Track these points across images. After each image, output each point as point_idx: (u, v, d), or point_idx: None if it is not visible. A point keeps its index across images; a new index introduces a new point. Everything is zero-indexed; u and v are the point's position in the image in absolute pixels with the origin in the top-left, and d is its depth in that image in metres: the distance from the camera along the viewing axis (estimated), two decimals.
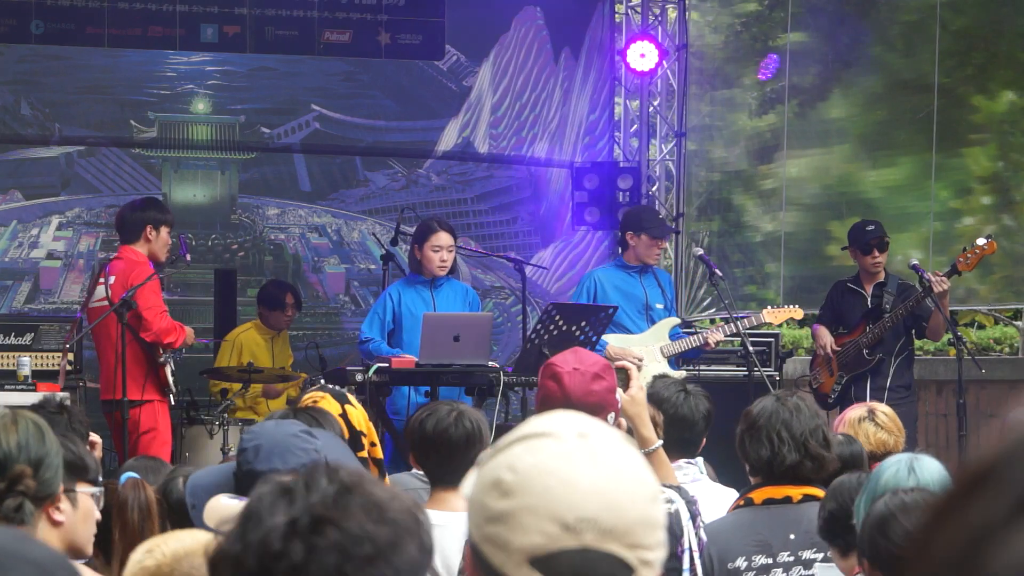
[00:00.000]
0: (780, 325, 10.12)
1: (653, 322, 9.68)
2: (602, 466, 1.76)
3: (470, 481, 1.86)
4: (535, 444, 1.79)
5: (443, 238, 9.32)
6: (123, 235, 9.34)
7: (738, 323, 9.60)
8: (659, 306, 9.70)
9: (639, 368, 9.32)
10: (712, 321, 12.77)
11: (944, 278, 9.38)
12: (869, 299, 9.83)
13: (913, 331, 9.83)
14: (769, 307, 9.97)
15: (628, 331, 9.58)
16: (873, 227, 9.84)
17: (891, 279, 9.88)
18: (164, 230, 9.19)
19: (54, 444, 3.30)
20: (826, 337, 9.83)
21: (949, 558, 0.76)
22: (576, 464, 1.76)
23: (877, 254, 9.76)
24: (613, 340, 9.43)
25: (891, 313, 9.61)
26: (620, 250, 9.97)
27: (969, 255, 9.54)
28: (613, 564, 1.74)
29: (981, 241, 9.61)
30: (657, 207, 12.65)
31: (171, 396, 9.14)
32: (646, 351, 9.46)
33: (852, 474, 4.28)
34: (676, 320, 9.85)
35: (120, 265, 9.19)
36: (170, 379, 9.14)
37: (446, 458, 4.55)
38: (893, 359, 9.76)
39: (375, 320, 9.39)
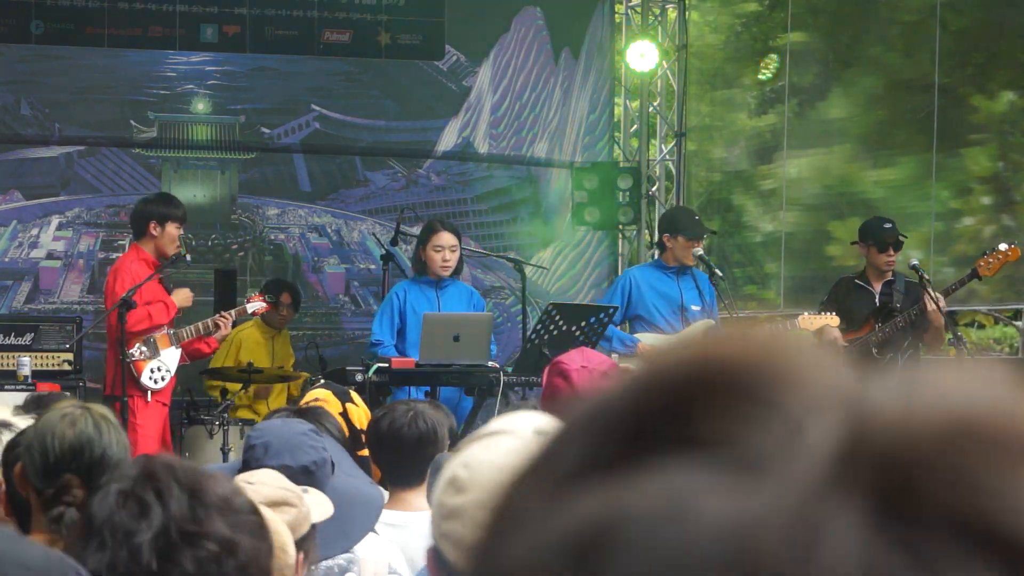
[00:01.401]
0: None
1: (688, 323, 9.61)
2: None
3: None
4: (491, 442, 1.79)
5: (445, 238, 9.31)
6: (133, 231, 9.46)
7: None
8: (695, 307, 9.63)
9: None
10: None
11: (939, 303, 9.28)
12: (878, 297, 9.74)
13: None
14: (806, 313, 9.82)
15: (662, 331, 9.53)
16: (891, 225, 9.72)
17: (898, 277, 9.76)
18: (171, 225, 9.20)
19: (113, 442, 3.31)
20: (832, 332, 9.73)
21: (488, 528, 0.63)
22: None
23: (893, 252, 9.64)
24: (645, 338, 9.41)
25: (904, 313, 9.50)
26: (658, 252, 9.94)
27: (991, 260, 9.40)
28: None
29: (1003, 247, 9.45)
30: (657, 207, 12.66)
31: (148, 393, 9.09)
32: None
33: None
34: (711, 322, 9.75)
35: (113, 265, 9.39)
36: (147, 375, 9.10)
37: (398, 458, 4.52)
38: (900, 358, 9.69)
39: (384, 320, 9.38)
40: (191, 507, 1.91)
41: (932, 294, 9.31)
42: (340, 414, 4.68)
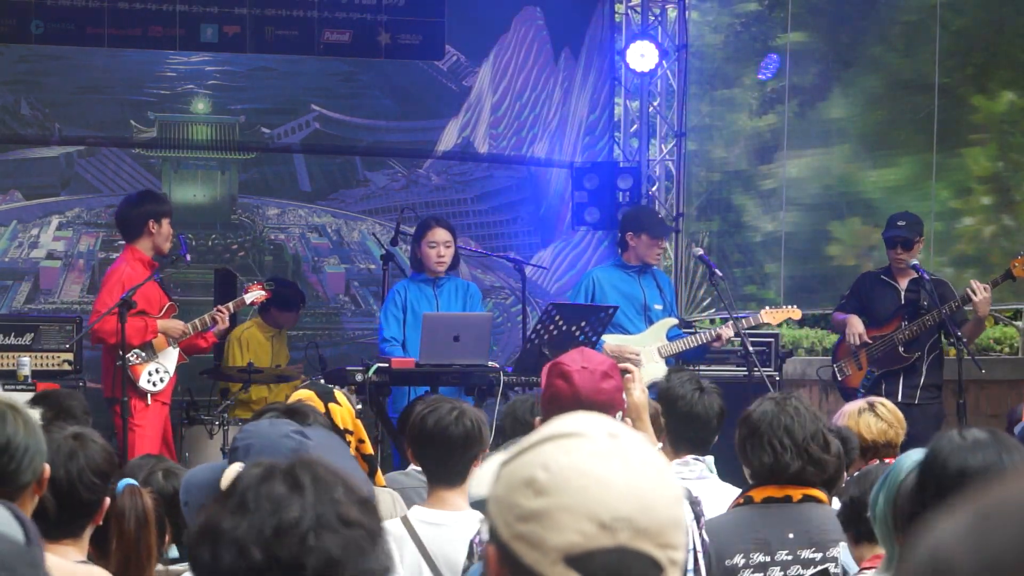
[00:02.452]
0: (779, 325, 10.08)
1: (651, 322, 9.65)
2: (634, 467, 1.78)
3: (483, 480, 1.86)
4: (567, 444, 1.79)
5: (439, 234, 9.33)
6: (125, 234, 9.38)
7: (737, 323, 9.57)
8: (657, 307, 9.67)
9: (638, 364, 9.27)
10: (712, 321, 12.76)
11: (987, 296, 9.20)
12: (903, 294, 9.65)
13: (943, 333, 9.62)
14: (768, 307, 9.88)
15: (626, 331, 9.56)
16: (904, 223, 9.63)
17: (926, 274, 9.64)
18: (166, 221, 9.19)
19: (20, 432, 3.30)
20: (859, 325, 9.62)
21: None
22: (610, 464, 1.77)
23: (900, 251, 9.57)
24: (610, 339, 9.42)
25: (933, 312, 9.38)
26: (620, 251, 9.95)
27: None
28: (646, 563, 1.76)
29: None
30: (657, 207, 12.65)
31: (148, 396, 9.06)
32: (644, 351, 9.45)
33: (880, 464, 4.27)
34: (674, 321, 9.81)
35: (111, 266, 9.43)
36: (145, 379, 9.06)
37: (445, 456, 4.53)
38: (926, 357, 9.60)
39: (390, 318, 9.40)
40: (345, 495, 1.99)
41: (977, 284, 9.22)
42: (323, 415, 4.70)
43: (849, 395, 9.49)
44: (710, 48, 13.10)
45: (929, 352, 9.58)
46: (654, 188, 12.92)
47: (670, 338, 9.65)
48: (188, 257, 9.46)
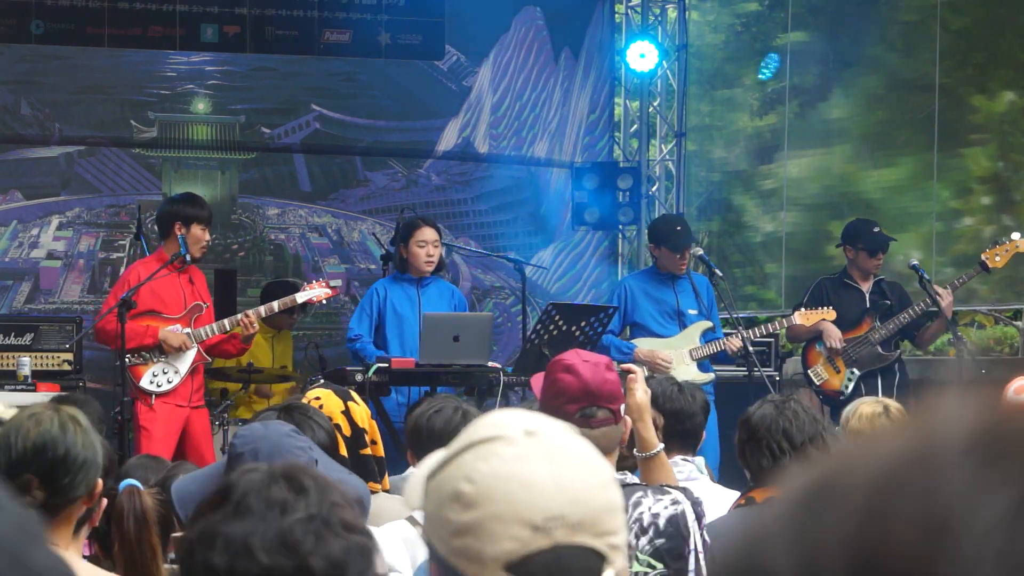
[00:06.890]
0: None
1: (684, 327, 9.61)
2: (557, 461, 1.77)
3: (414, 495, 1.86)
4: (485, 450, 1.79)
5: (427, 233, 9.29)
6: (158, 231, 9.26)
7: (768, 326, 9.61)
8: (692, 311, 9.62)
9: (668, 370, 9.25)
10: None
11: (951, 299, 9.27)
12: (868, 296, 9.74)
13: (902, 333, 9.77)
14: (802, 309, 9.78)
15: (657, 335, 9.54)
16: (879, 229, 9.79)
17: (881, 277, 9.86)
18: (196, 227, 9.00)
19: (78, 444, 3.29)
20: (837, 331, 9.67)
21: None
22: (532, 464, 1.77)
23: (881, 255, 9.73)
24: (642, 344, 9.41)
25: (908, 310, 9.51)
26: (653, 258, 9.97)
27: (998, 252, 9.38)
28: (586, 555, 1.76)
29: (1016, 235, 9.44)
30: (657, 207, 12.65)
31: (151, 397, 8.96)
32: (675, 354, 9.43)
33: None
34: (709, 324, 9.71)
35: (129, 266, 9.46)
36: (148, 379, 8.95)
37: None
38: (900, 354, 9.76)
39: (363, 317, 9.35)
40: (345, 500, 2.00)
41: (940, 289, 9.31)
42: (342, 412, 4.71)
43: (831, 399, 9.56)
44: (710, 48, 13.11)
45: (896, 350, 9.72)
46: (654, 188, 12.92)
47: (703, 341, 9.61)
48: (189, 257, 9.42)
